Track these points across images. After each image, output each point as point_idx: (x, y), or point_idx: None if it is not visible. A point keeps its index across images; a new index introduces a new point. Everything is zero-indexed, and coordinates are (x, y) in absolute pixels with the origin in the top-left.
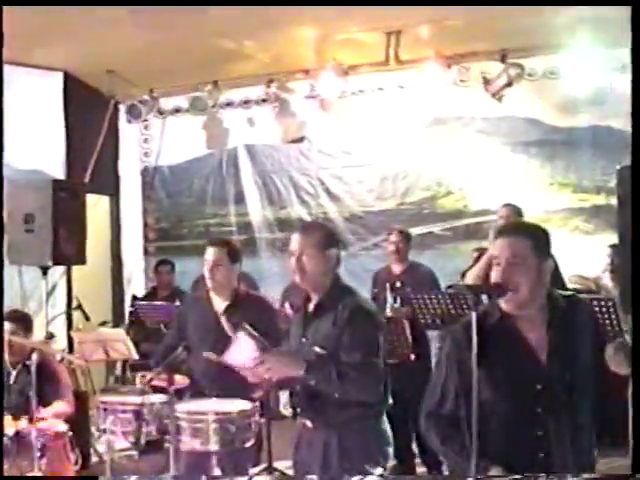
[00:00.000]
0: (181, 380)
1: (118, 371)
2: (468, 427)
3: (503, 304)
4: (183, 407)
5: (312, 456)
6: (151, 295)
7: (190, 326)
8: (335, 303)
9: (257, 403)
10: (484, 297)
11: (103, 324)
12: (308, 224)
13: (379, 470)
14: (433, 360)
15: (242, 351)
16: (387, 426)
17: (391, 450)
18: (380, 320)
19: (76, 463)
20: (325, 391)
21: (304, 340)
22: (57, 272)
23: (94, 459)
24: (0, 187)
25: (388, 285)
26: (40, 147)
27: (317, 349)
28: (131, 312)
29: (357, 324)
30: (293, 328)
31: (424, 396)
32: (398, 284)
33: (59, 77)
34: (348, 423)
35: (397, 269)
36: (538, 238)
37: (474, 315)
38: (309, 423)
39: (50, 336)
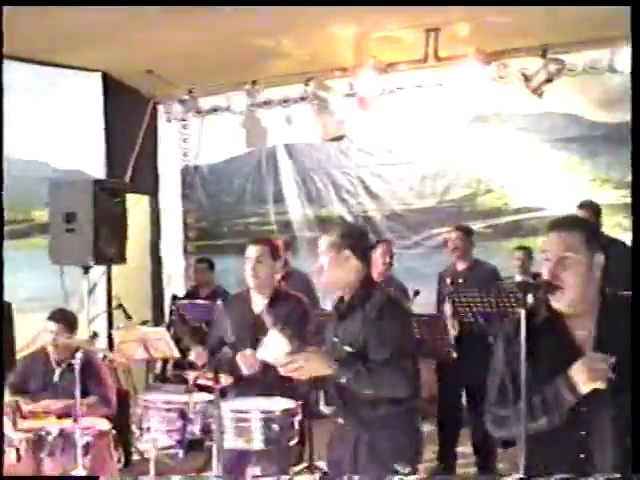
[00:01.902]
0: (226, 379)
1: (158, 370)
2: (516, 425)
3: (552, 301)
4: (227, 406)
5: (344, 453)
6: (192, 294)
7: (231, 325)
8: (364, 301)
9: (300, 401)
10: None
11: (144, 323)
12: (327, 225)
13: (408, 469)
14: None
15: (274, 347)
16: (420, 425)
17: (423, 449)
18: (409, 315)
19: (119, 461)
20: (356, 389)
21: (336, 339)
22: (97, 271)
23: (135, 457)
24: (0, 187)
25: (449, 282)
26: (80, 147)
27: (347, 348)
28: (172, 311)
29: (385, 320)
30: (327, 327)
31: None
32: (460, 281)
33: (98, 78)
34: (379, 421)
35: (460, 266)
36: (591, 232)
37: (523, 313)
38: (341, 420)
39: (94, 335)
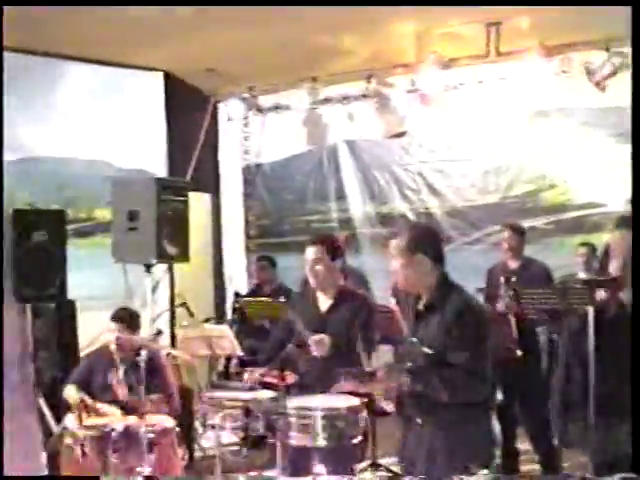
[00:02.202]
0: (290, 377)
1: (221, 367)
2: (584, 420)
3: (622, 297)
4: (292, 403)
5: (419, 454)
6: (255, 292)
7: (297, 323)
8: (442, 302)
9: (365, 399)
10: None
11: (207, 321)
12: (395, 228)
13: (484, 470)
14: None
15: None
16: (494, 426)
17: (497, 450)
18: (487, 319)
19: (183, 458)
20: (432, 397)
21: (414, 340)
22: (159, 269)
23: (198, 454)
24: (0, 186)
25: (503, 280)
26: (143, 146)
27: (426, 349)
28: (235, 309)
29: (464, 323)
30: (404, 328)
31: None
32: (513, 279)
33: (160, 77)
34: (455, 422)
35: (512, 265)
36: None
37: (591, 310)
38: (419, 420)
39: (158, 332)
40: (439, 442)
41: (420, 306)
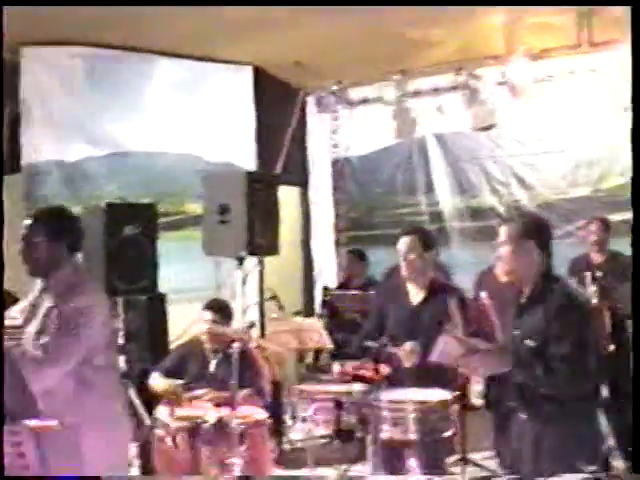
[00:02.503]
0: (384, 369)
1: (310, 360)
2: None
3: None
4: (384, 396)
5: (521, 449)
6: (344, 285)
7: (388, 316)
8: (546, 294)
9: (456, 393)
10: None
11: (296, 314)
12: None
13: (591, 468)
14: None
15: (447, 352)
16: (601, 423)
17: (604, 448)
18: (590, 311)
19: (273, 451)
20: (534, 388)
21: (516, 333)
22: (249, 263)
23: (286, 447)
24: (0, 183)
25: (589, 275)
26: (232, 140)
27: (528, 342)
28: (324, 302)
29: (566, 315)
30: (506, 320)
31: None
32: (599, 274)
33: (249, 71)
34: (561, 417)
35: (597, 258)
36: None
37: None
38: (523, 415)
39: (252, 325)
40: (544, 437)
41: (522, 299)
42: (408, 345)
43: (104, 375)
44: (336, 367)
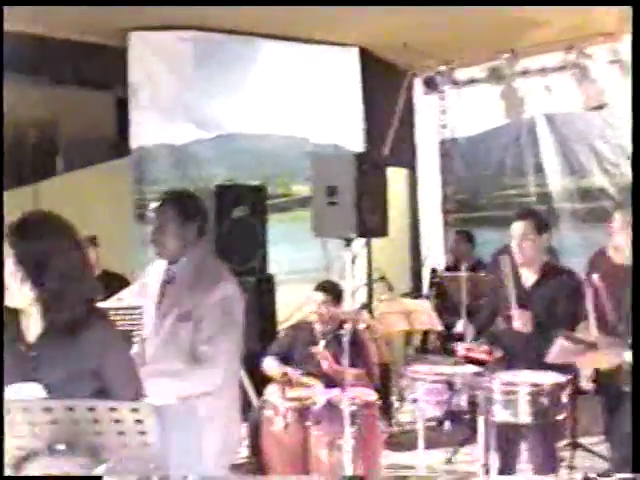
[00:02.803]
0: (497, 352)
1: (417, 342)
2: None
3: None
4: (497, 378)
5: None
6: (452, 267)
7: (502, 299)
8: None
9: (569, 376)
10: None
11: (405, 295)
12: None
13: None
14: None
15: (563, 354)
16: None
17: None
18: None
19: (384, 432)
20: None
21: None
22: (357, 244)
23: (395, 429)
24: (0, 179)
25: None
26: (338, 122)
27: None
28: (433, 283)
29: None
30: (608, 304)
31: None
32: None
33: (356, 53)
34: None
35: None
36: None
37: None
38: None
39: (364, 306)
40: None
41: None
42: (523, 312)
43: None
44: (460, 348)
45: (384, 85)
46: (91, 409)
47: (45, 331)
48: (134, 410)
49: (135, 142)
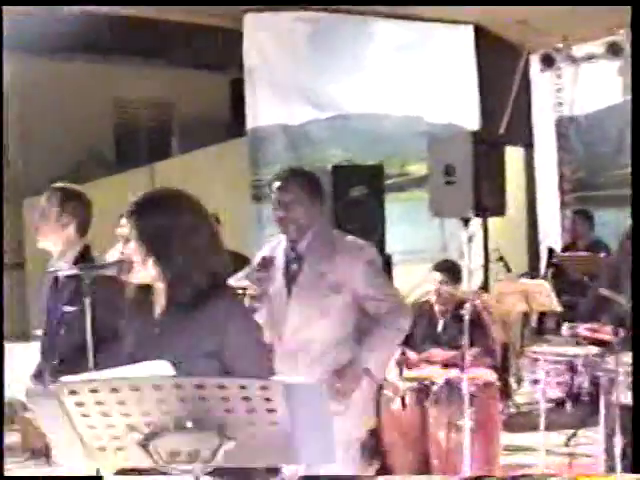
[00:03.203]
0: (622, 332)
1: (534, 323)
2: None
3: None
4: (621, 360)
5: None
6: (570, 247)
7: (622, 278)
8: None
9: None
10: None
11: (523, 275)
12: None
13: None
14: None
15: None
16: None
17: None
18: None
19: (503, 413)
20: None
21: None
22: (474, 224)
23: (512, 410)
24: (0, 175)
25: None
26: (454, 100)
27: None
28: (551, 264)
29: None
30: None
31: None
32: None
33: (470, 30)
34: None
35: None
36: None
37: None
38: None
39: (481, 286)
40: None
41: None
42: None
43: None
44: (582, 328)
45: (499, 63)
46: (221, 387)
47: (168, 307)
48: (263, 388)
49: (250, 123)
